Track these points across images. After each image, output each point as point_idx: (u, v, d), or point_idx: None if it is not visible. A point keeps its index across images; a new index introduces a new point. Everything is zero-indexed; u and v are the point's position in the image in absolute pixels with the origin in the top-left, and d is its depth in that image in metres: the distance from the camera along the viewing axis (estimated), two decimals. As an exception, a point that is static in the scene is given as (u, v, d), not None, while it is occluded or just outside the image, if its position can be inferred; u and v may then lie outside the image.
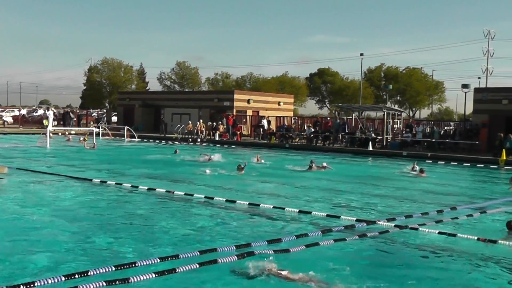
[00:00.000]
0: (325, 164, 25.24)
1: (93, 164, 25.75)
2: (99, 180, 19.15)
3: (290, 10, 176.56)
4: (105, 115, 71.87)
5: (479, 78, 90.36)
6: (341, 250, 10.68)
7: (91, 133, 40.05)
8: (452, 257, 10.45)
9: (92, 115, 74.06)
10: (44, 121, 53.30)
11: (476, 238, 11.62)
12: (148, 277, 8.11)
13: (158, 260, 8.87)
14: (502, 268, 9.89)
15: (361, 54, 66.01)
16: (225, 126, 47.67)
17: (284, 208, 14.55)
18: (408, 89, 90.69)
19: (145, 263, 8.66)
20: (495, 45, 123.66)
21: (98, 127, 48.25)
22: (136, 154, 32.48)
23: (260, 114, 53.84)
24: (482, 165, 29.62)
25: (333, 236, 11.33)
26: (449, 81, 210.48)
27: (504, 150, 30.76)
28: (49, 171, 22.05)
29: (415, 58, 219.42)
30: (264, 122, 47.88)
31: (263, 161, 27.68)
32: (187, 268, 8.60)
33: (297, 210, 14.30)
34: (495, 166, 29.44)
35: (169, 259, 9.04)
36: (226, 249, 9.75)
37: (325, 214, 13.84)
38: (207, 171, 22.64)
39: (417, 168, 24.27)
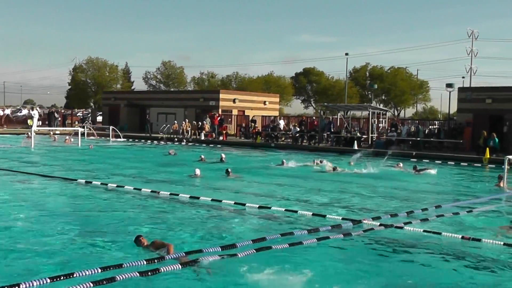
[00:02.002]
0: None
1: (78, 164, 25.62)
2: (84, 181, 19.07)
3: (276, 10, 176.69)
4: (90, 115, 71.46)
5: (463, 77, 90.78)
6: (326, 248, 10.71)
7: (76, 133, 39.87)
8: (436, 255, 10.49)
9: (77, 115, 73.61)
10: (29, 121, 53.08)
11: (460, 236, 11.69)
12: (132, 275, 8.11)
13: (145, 263, 8.83)
14: (485, 266, 9.95)
15: (346, 54, 66.25)
16: (210, 126, 47.62)
17: (270, 207, 14.56)
18: (393, 88, 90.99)
19: (131, 265, 8.62)
20: (478, 45, 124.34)
21: (83, 127, 48.03)
22: (122, 153, 32.40)
23: (245, 113, 53.84)
24: (466, 164, 29.79)
25: (320, 236, 11.35)
26: (434, 80, 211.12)
27: (487, 149, 30.97)
28: (33, 171, 21.91)
29: (400, 57, 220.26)
30: (281, 122, 47.10)
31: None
32: (170, 269, 8.62)
33: (283, 209, 14.31)
34: (479, 165, 29.63)
35: (155, 261, 9.00)
36: (211, 250, 9.72)
37: (311, 214, 13.87)
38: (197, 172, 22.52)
39: (401, 164, 24.67)
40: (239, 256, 9.45)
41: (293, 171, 24.68)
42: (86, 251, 10.17)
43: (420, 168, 24.78)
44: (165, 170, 23.95)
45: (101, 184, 18.38)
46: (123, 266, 8.56)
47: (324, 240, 11.04)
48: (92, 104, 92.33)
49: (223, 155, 28.13)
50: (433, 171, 24.50)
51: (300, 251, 10.29)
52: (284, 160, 26.68)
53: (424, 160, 30.97)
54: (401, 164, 25.99)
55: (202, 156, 27.65)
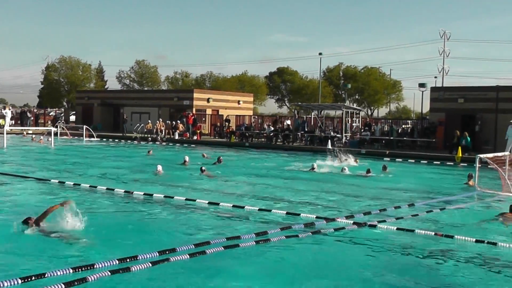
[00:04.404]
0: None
1: (51, 164, 25.36)
2: (57, 181, 18.88)
3: (250, 10, 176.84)
4: (63, 114, 70.83)
5: (435, 77, 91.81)
6: (297, 247, 10.72)
7: (49, 133, 39.47)
8: (409, 252, 10.56)
9: (50, 114, 72.95)
10: (0, 121, 52.37)
11: (433, 233, 11.80)
12: (103, 275, 8.08)
13: (117, 262, 8.75)
14: (458, 262, 10.03)
15: (320, 54, 66.36)
16: (184, 125, 47.46)
17: (243, 207, 14.54)
18: (366, 88, 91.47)
19: (103, 265, 8.53)
20: (450, 45, 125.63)
21: (56, 127, 47.55)
22: (95, 153, 32.16)
23: (219, 113, 53.76)
24: (439, 162, 30.08)
25: (293, 234, 11.36)
26: (407, 80, 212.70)
27: (460, 148, 31.25)
28: (5, 171, 21.63)
29: (373, 57, 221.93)
30: (288, 122, 46.58)
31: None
32: (143, 267, 8.62)
33: (257, 209, 14.30)
34: (452, 163, 29.90)
35: (128, 260, 8.93)
36: (184, 248, 9.68)
37: (285, 212, 13.87)
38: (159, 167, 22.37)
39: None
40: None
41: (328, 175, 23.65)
42: (58, 252, 10.05)
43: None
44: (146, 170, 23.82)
45: (73, 184, 18.21)
46: (95, 266, 8.49)
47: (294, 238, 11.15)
48: (65, 103, 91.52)
49: (221, 157, 27.37)
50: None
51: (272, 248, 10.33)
52: (315, 165, 25.11)
53: (397, 159, 31.17)
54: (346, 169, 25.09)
55: (186, 158, 26.18)
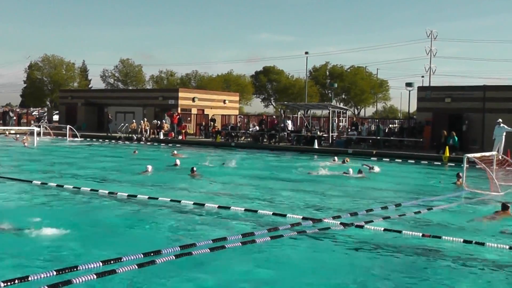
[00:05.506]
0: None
1: (33, 165, 25.23)
2: (39, 182, 18.76)
3: (236, 8, 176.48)
4: (46, 114, 70.45)
5: (422, 77, 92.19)
6: (284, 247, 10.72)
7: (31, 133, 39.24)
8: (397, 254, 10.58)
9: (33, 114, 72.59)
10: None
11: (421, 234, 11.82)
12: (89, 278, 8.03)
13: (101, 264, 8.69)
14: (446, 263, 10.05)
15: (306, 53, 66.29)
16: (169, 125, 47.33)
17: (229, 208, 14.51)
18: (353, 87, 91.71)
19: (86, 267, 8.47)
20: (437, 45, 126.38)
21: (39, 126, 47.27)
22: (79, 153, 32.01)
23: (205, 112, 53.67)
24: (426, 162, 30.19)
25: (281, 236, 11.36)
26: (393, 79, 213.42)
27: (447, 147, 31.38)
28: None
29: (360, 57, 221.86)
30: (289, 123, 44.42)
31: None
32: (128, 269, 8.57)
33: (243, 209, 14.28)
34: (439, 163, 30.02)
35: (112, 262, 8.87)
36: (170, 250, 9.64)
37: (271, 213, 13.85)
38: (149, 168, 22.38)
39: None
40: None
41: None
42: (41, 254, 9.98)
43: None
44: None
45: (56, 186, 18.10)
46: (79, 268, 8.44)
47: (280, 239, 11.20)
48: (48, 103, 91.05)
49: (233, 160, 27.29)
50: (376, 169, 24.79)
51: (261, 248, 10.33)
52: (351, 170, 23.91)
53: (384, 159, 31.25)
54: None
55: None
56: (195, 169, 22.12)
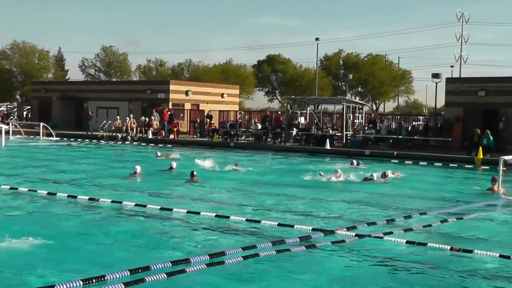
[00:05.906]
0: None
1: (1, 167, 25.25)
2: (8, 187, 18.76)
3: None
4: (16, 109, 70.53)
5: (451, 66, 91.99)
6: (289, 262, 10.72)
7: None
8: (422, 270, 10.55)
9: (0, 109, 72.66)
10: None
11: (449, 247, 11.78)
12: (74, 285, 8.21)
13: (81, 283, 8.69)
14: (478, 282, 10.01)
15: (317, 39, 66.25)
16: (158, 122, 47.32)
17: (229, 217, 14.50)
18: (370, 79, 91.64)
19: (68, 286, 8.46)
20: (469, 29, 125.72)
21: (8, 124, 47.29)
22: (54, 155, 32.03)
23: (200, 108, 53.70)
24: (455, 165, 30.04)
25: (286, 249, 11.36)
26: (418, 70, 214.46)
27: (480, 148, 31.23)
28: None
29: (378, 43, 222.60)
30: (301, 119, 44.96)
31: None
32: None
33: (244, 219, 14.28)
34: (471, 166, 29.91)
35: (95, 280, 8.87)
36: (160, 266, 9.61)
37: (277, 223, 13.83)
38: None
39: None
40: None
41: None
42: (15, 266, 9.99)
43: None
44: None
45: (28, 190, 18.10)
46: None
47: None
48: (18, 96, 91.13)
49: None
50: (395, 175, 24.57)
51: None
52: (374, 174, 23.71)
53: (406, 162, 31.20)
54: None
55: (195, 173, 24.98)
56: (195, 173, 22.08)
